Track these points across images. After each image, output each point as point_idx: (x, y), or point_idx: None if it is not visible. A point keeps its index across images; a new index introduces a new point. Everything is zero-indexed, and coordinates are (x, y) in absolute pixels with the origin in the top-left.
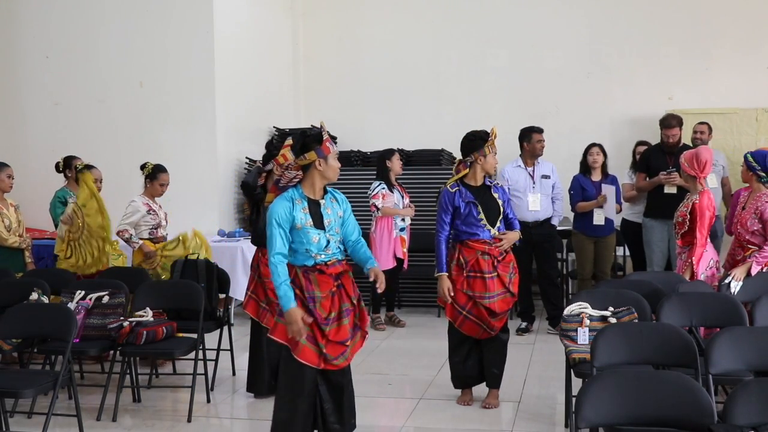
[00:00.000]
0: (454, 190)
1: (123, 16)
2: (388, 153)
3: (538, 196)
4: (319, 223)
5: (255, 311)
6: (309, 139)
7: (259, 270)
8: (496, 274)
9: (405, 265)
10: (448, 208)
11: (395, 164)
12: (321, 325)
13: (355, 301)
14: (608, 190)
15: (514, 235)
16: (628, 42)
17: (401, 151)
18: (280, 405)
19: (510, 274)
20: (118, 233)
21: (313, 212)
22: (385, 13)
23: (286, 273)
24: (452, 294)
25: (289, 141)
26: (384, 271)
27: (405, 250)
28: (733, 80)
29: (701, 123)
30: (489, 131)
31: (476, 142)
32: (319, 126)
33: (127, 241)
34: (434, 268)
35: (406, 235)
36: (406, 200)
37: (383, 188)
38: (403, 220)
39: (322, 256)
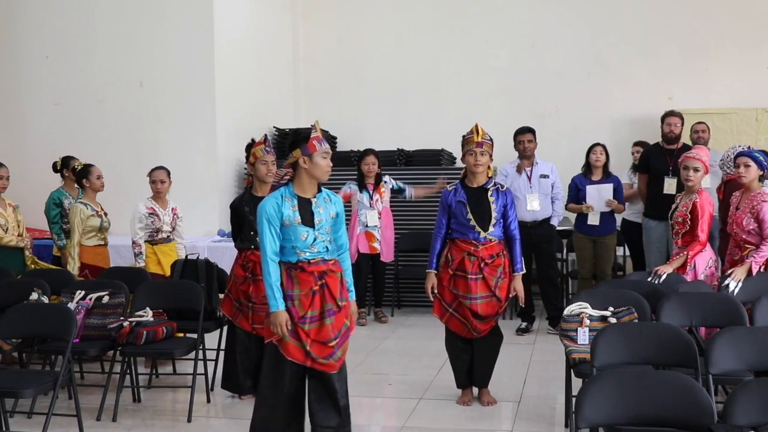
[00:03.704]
0: (451, 188)
1: (123, 16)
2: (361, 154)
3: (536, 196)
4: (308, 220)
5: (229, 310)
6: (297, 137)
7: (233, 270)
8: (481, 276)
9: (383, 258)
10: (444, 207)
11: (364, 166)
12: (298, 323)
13: (341, 303)
14: (600, 190)
15: (518, 286)
16: (628, 42)
17: (401, 151)
18: (260, 402)
19: (497, 278)
20: (132, 243)
21: (302, 209)
22: (385, 13)
23: (277, 273)
24: (435, 292)
25: (261, 138)
26: (366, 267)
27: (374, 245)
28: (733, 80)
29: (700, 123)
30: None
31: (462, 142)
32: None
33: (135, 256)
34: None
35: (376, 233)
36: (380, 202)
37: (348, 188)
38: (367, 221)
39: (306, 253)
